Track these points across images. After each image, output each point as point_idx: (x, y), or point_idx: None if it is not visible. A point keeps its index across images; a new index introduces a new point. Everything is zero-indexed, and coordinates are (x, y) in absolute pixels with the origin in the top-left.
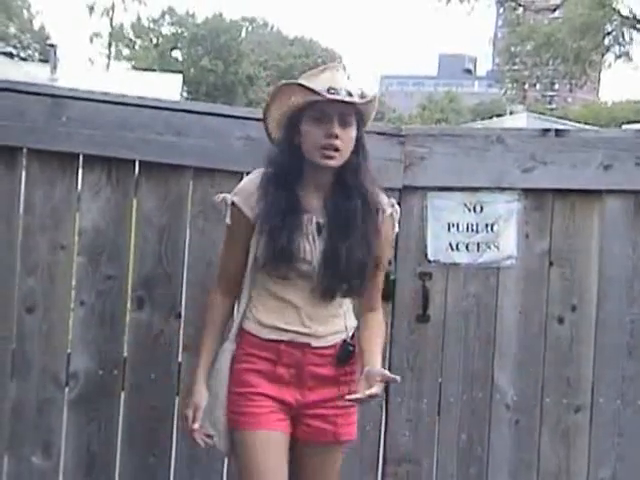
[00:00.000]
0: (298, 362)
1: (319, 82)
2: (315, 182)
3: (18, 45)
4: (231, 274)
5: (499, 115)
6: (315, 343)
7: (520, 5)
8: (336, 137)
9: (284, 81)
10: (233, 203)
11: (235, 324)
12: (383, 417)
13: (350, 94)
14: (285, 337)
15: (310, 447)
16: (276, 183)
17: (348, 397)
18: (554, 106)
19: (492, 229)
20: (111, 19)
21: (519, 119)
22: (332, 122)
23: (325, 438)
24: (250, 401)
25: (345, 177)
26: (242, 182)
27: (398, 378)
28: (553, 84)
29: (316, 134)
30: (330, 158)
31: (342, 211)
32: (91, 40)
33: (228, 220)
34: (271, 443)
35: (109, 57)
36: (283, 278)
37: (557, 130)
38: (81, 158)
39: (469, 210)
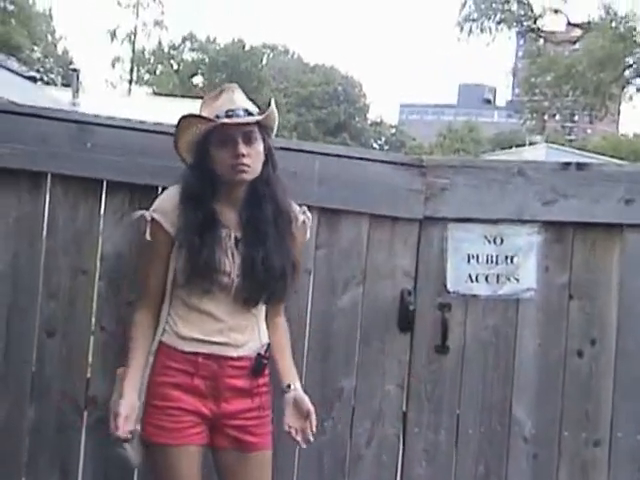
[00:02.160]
0: (215, 374)
1: (217, 106)
2: (230, 198)
3: (41, 69)
4: (154, 290)
5: (518, 145)
6: (234, 353)
7: (541, 37)
8: (243, 156)
9: (184, 114)
10: (153, 219)
11: (155, 339)
12: (400, 447)
13: (248, 112)
14: (203, 349)
15: (233, 455)
16: (194, 201)
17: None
18: (573, 137)
19: (512, 261)
20: (133, 44)
21: (538, 150)
22: (236, 143)
23: (246, 448)
24: (168, 416)
25: (257, 189)
26: (160, 199)
27: (310, 437)
28: (573, 115)
29: (224, 156)
30: (242, 172)
31: (255, 221)
32: (113, 65)
33: (148, 236)
34: (188, 458)
35: (130, 82)
36: (204, 292)
37: (578, 164)
38: (105, 183)
39: (489, 242)
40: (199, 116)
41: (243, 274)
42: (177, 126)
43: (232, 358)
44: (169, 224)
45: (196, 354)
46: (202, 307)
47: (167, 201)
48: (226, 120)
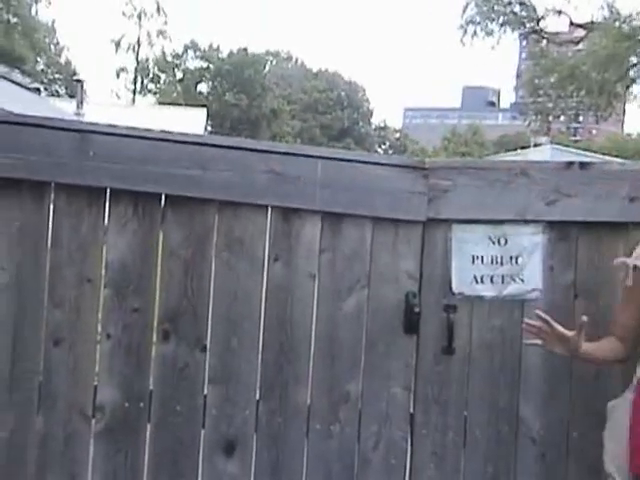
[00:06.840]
0: None
1: None
2: None
3: (45, 81)
4: (624, 325)
5: (523, 147)
6: None
7: (544, 38)
8: None
9: None
10: (636, 267)
11: (636, 376)
12: (408, 450)
13: None
14: None
15: None
16: None
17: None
18: (578, 138)
19: (517, 262)
20: (137, 54)
21: (543, 151)
22: None
23: None
24: None
25: None
26: None
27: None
28: (577, 116)
29: None
30: None
31: None
32: (117, 75)
33: (630, 282)
34: None
35: (134, 92)
36: None
37: (581, 163)
38: (108, 192)
39: (493, 243)
40: None
41: None
42: None
43: None
44: None
45: None
46: None
47: None
48: None
